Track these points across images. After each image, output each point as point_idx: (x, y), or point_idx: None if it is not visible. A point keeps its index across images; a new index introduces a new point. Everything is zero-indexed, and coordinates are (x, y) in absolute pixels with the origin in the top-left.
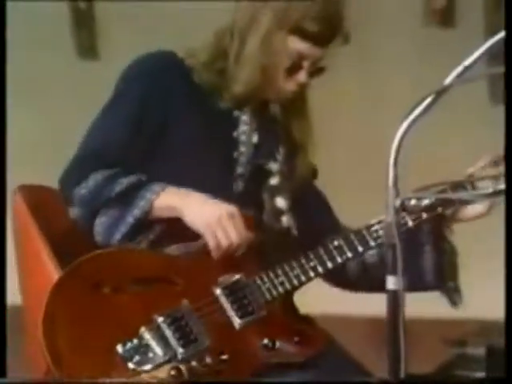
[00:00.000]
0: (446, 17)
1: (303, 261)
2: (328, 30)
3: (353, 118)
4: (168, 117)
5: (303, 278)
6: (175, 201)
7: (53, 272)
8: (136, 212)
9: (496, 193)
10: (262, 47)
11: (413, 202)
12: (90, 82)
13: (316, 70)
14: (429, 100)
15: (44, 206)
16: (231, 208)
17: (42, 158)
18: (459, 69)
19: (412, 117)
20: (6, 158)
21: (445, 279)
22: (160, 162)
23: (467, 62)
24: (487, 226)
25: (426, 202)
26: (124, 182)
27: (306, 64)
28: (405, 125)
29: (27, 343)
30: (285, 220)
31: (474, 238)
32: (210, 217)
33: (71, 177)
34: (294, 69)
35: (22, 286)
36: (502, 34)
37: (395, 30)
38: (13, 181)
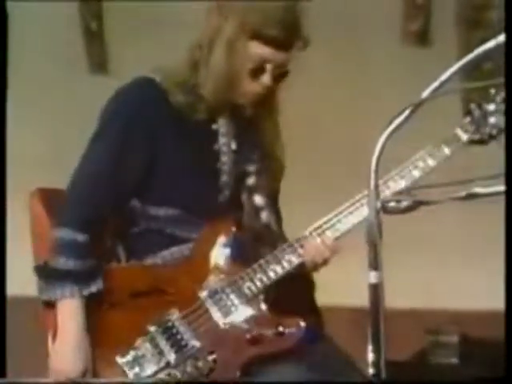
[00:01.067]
0: (421, 38)
1: (278, 254)
2: (287, 35)
3: (340, 124)
4: (153, 145)
5: (279, 271)
6: (63, 318)
7: None
8: (44, 295)
9: (470, 196)
10: (226, 54)
11: (392, 204)
12: (100, 95)
13: (281, 74)
14: (407, 112)
15: (58, 206)
16: (84, 363)
17: (53, 166)
18: (435, 83)
19: (391, 128)
20: (6, 158)
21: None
22: (154, 184)
23: (442, 78)
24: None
25: (404, 203)
26: (60, 264)
27: (269, 67)
28: (385, 134)
29: None
30: (264, 216)
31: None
32: (61, 364)
33: (58, 217)
34: (257, 72)
35: None
36: (473, 53)
37: (378, 49)
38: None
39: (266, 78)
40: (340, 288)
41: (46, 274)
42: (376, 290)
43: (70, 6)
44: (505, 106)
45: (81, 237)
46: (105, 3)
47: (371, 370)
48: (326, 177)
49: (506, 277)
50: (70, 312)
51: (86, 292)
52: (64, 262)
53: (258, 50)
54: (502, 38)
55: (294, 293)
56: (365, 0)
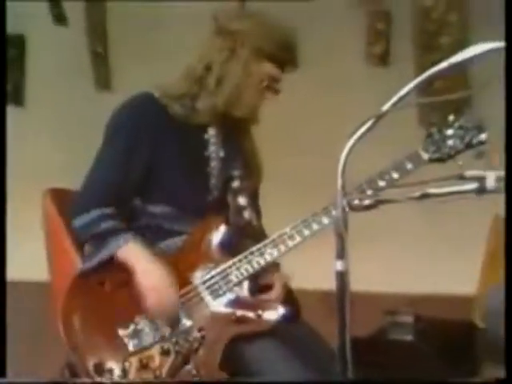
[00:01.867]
0: (382, 59)
1: (261, 247)
2: (292, 57)
3: (313, 131)
4: (153, 152)
5: (262, 262)
6: (131, 259)
7: (73, 257)
8: (101, 255)
9: (424, 196)
10: (243, 73)
11: (356, 201)
12: (105, 109)
13: (276, 90)
14: (369, 122)
15: (68, 205)
16: (170, 280)
17: (66, 170)
18: (394, 98)
19: (356, 135)
20: (6, 155)
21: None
22: (153, 185)
23: (401, 93)
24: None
25: (366, 202)
26: (102, 226)
27: (274, 84)
28: (350, 142)
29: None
30: (246, 214)
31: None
32: (151, 286)
33: (72, 210)
34: (261, 88)
35: (50, 268)
36: (426, 73)
37: (345, 69)
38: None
39: (269, 94)
40: (315, 274)
41: (95, 240)
42: (342, 277)
43: (79, 33)
44: (505, 109)
45: (107, 210)
46: (109, 30)
47: (338, 345)
48: (302, 183)
49: (506, 277)
50: (135, 253)
51: (132, 236)
52: (105, 225)
53: (270, 70)
54: (452, 59)
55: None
56: (334, 27)
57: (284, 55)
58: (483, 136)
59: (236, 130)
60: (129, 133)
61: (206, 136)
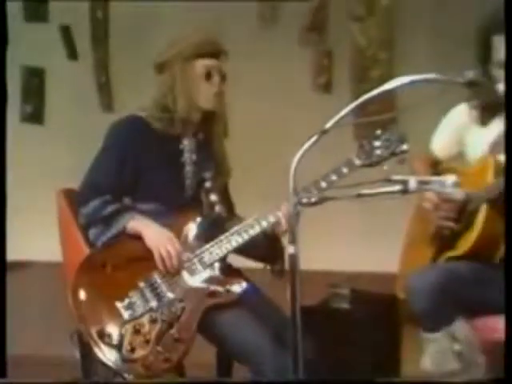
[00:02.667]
0: (326, 88)
1: (228, 235)
2: (215, 48)
3: (271, 144)
4: (140, 160)
5: (229, 247)
6: (139, 227)
7: (82, 245)
8: (113, 231)
9: (359, 195)
10: (183, 73)
11: (305, 200)
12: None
13: (223, 76)
14: (315, 137)
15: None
16: (170, 234)
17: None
18: (335, 119)
19: (305, 147)
20: (6, 155)
21: (274, 262)
22: (140, 186)
23: (341, 114)
24: None
25: (313, 199)
26: (108, 209)
27: (213, 71)
28: (300, 153)
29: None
30: (217, 209)
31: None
32: (157, 240)
33: (78, 200)
34: (208, 76)
35: (63, 252)
36: (361, 99)
37: (295, 96)
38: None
39: (215, 79)
40: None
41: (102, 223)
42: (293, 258)
43: (87, 66)
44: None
45: (107, 197)
46: (111, 63)
47: (290, 312)
48: (264, 183)
49: (506, 276)
50: (142, 223)
51: (137, 214)
52: (110, 209)
53: (203, 62)
54: (381, 88)
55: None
56: (287, 62)
57: (208, 48)
58: (405, 146)
59: (206, 138)
60: (119, 145)
61: (181, 146)
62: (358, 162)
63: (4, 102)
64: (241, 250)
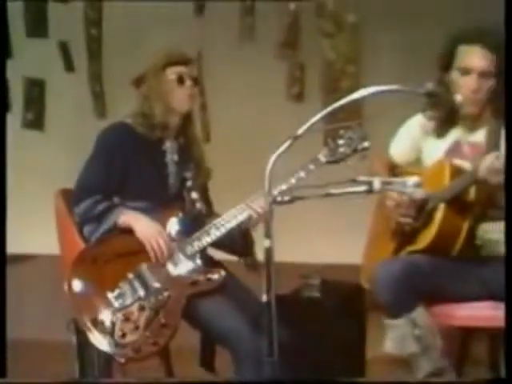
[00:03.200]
0: (299, 97)
1: (208, 229)
2: (183, 57)
3: (249, 148)
4: (127, 161)
5: (209, 240)
6: (130, 221)
7: (79, 243)
8: (105, 227)
9: (327, 194)
10: (157, 82)
11: (278, 198)
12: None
13: (194, 80)
14: (288, 142)
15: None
16: (159, 227)
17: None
18: (307, 125)
19: (279, 151)
20: (6, 155)
21: (246, 255)
22: (128, 186)
23: (312, 121)
24: None
25: (286, 198)
26: (99, 208)
27: (185, 77)
28: (274, 156)
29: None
30: (198, 205)
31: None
32: (147, 233)
33: (72, 200)
34: (179, 81)
35: (61, 251)
36: (330, 107)
37: (271, 105)
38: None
39: (187, 83)
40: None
41: (95, 220)
42: (269, 251)
43: (83, 76)
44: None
45: (98, 197)
46: (104, 74)
47: (264, 297)
48: (242, 182)
49: (505, 276)
50: (132, 217)
51: (127, 210)
52: (100, 207)
53: (173, 69)
54: (348, 98)
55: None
56: (264, 74)
57: (176, 57)
58: (366, 143)
59: (186, 142)
60: (107, 149)
61: (163, 147)
62: (323, 159)
63: (4, 110)
64: (217, 245)
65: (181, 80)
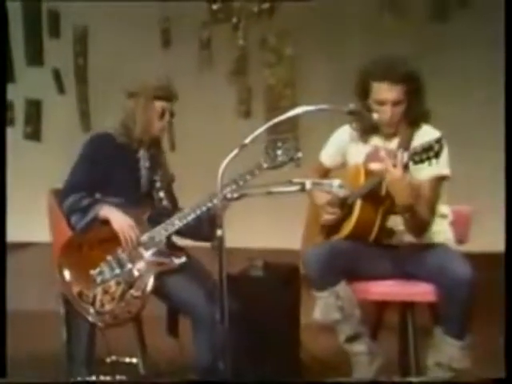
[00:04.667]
0: (245, 114)
1: (172, 220)
2: (169, 93)
3: (204, 155)
4: (108, 165)
5: (173, 229)
6: (108, 214)
7: (67, 232)
8: (88, 218)
9: (269, 192)
10: (144, 112)
11: (229, 195)
12: None
13: (171, 114)
14: (237, 150)
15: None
16: (130, 220)
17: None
18: (252, 136)
19: (229, 157)
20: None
21: (212, 240)
22: (109, 184)
23: (256, 133)
24: None
25: (235, 195)
26: (84, 202)
27: (166, 112)
28: (226, 161)
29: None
30: (164, 203)
31: None
32: (120, 225)
33: (61, 196)
34: (162, 116)
35: (53, 239)
36: (272, 121)
37: (224, 122)
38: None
39: (166, 117)
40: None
41: (80, 213)
42: (220, 239)
43: (72, 97)
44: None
45: (82, 193)
46: (90, 94)
47: (217, 275)
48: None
49: (505, 276)
50: (109, 210)
51: (106, 205)
52: (85, 202)
53: (159, 104)
54: (287, 114)
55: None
56: (219, 94)
57: (165, 94)
58: (299, 154)
59: (156, 153)
60: (91, 154)
61: (138, 155)
62: (265, 165)
63: (4, 125)
64: (189, 234)
65: (162, 114)
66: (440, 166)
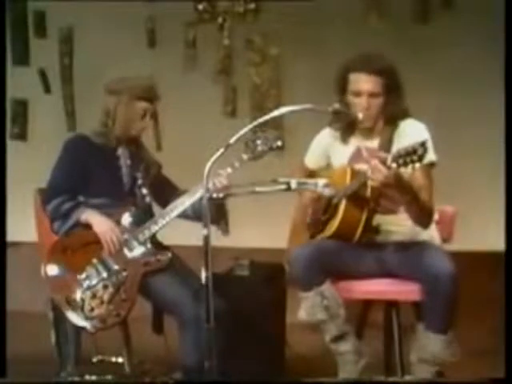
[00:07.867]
0: (232, 114)
1: (156, 218)
2: (152, 94)
3: (192, 155)
4: (87, 166)
5: (156, 228)
6: (89, 218)
7: (50, 233)
8: (70, 223)
9: (253, 192)
10: (126, 111)
11: (214, 195)
12: None
13: (152, 115)
14: (222, 149)
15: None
16: (111, 223)
17: None
18: (237, 136)
19: (215, 156)
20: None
21: (219, 220)
22: (90, 186)
23: (240, 133)
24: None
25: (220, 195)
26: (65, 207)
27: (147, 113)
28: (212, 159)
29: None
30: (147, 200)
31: None
32: (102, 229)
33: (43, 199)
34: (142, 117)
35: (39, 240)
36: (256, 122)
37: (209, 122)
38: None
39: (147, 118)
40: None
41: (63, 217)
42: (207, 238)
43: (58, 97)
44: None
45: (64, 197)
46: (77, 95)
47: (203, 275)
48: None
49: (505, 276)
50: (91, 214)
51: (88, 209)
52: (66, 206)
53: (142, 105)
54: (271, 114)
55: None
56: (206, 94)
57: (147, 95)
58: (279, 142)
59: (137, 149)
60: (69, 156)
61: (117, 154)
62: (245, 157)
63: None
64: (196, 218)
65: (144, 115)
66: (429, 153)
